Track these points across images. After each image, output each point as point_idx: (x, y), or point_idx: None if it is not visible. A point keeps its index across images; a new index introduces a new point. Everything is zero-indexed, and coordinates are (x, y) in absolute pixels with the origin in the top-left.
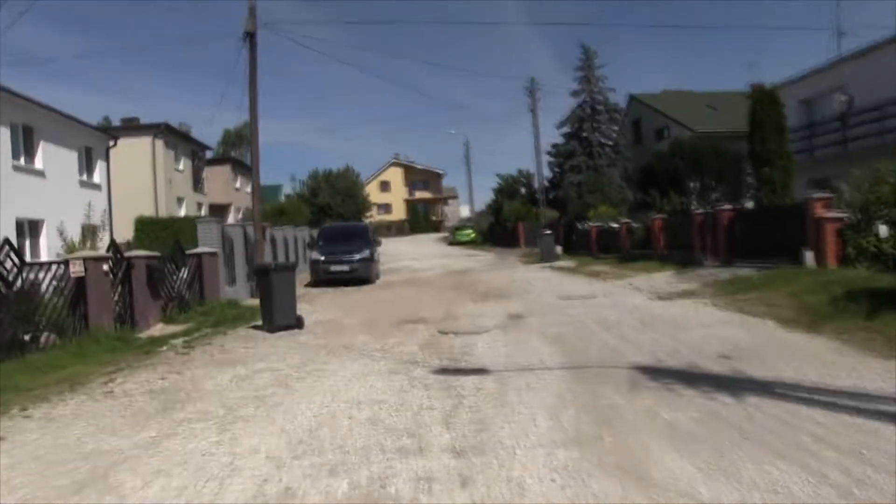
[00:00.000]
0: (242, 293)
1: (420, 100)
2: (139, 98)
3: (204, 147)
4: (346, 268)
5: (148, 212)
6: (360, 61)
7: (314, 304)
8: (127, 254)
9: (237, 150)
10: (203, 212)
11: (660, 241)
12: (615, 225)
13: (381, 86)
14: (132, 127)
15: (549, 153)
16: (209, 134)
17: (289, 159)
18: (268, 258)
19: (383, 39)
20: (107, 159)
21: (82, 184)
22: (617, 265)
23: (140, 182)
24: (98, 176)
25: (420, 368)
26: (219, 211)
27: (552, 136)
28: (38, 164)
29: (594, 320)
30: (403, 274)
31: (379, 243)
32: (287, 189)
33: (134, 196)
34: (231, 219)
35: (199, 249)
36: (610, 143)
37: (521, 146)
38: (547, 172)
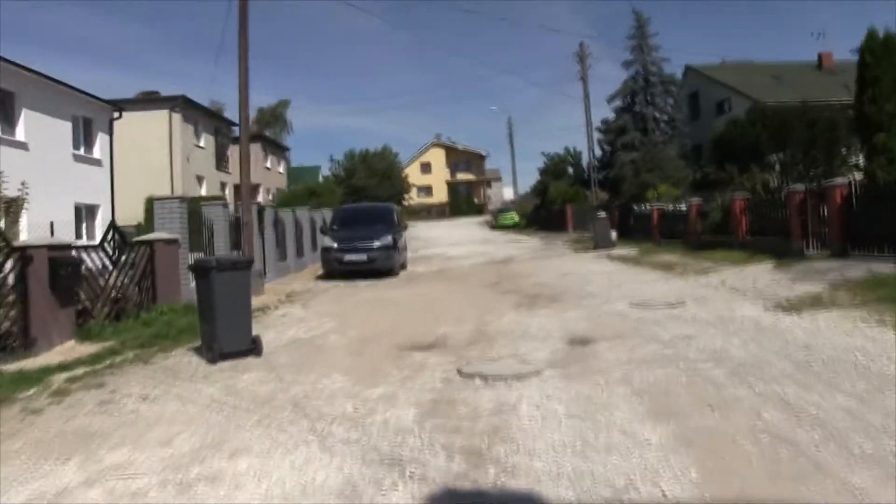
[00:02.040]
0: None
1: (462, 77)
2: (177, 77)
3: (229, 123)
4: (363, 257)
5: (164, 191)
6: (397, 40)
7: (307, 307)
8: (22, 243)
9: (272, 130)
10: (227, 192)
11: (741, 226)
12: (682, 207)
13: (420, 63)
14: (147, 100)
15: (598, 129)
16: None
17: (329, 142)
18: (268, 246)
19: (420, 17)
20: (110, 132)
21: (78, 158)
22: (689, 254)
23: (155, 159)
24: (98, 150)
25: (402, 486)
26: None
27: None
28: (20, 134)
29: (707, 355)
30: (435, 263)
31: (405, 227)
32: (326, 171)
33: (149, 174)
34: (260, 200)
35: (152, 236)
36: (665, 117)
37: (566, 124)
38: (597, 151)
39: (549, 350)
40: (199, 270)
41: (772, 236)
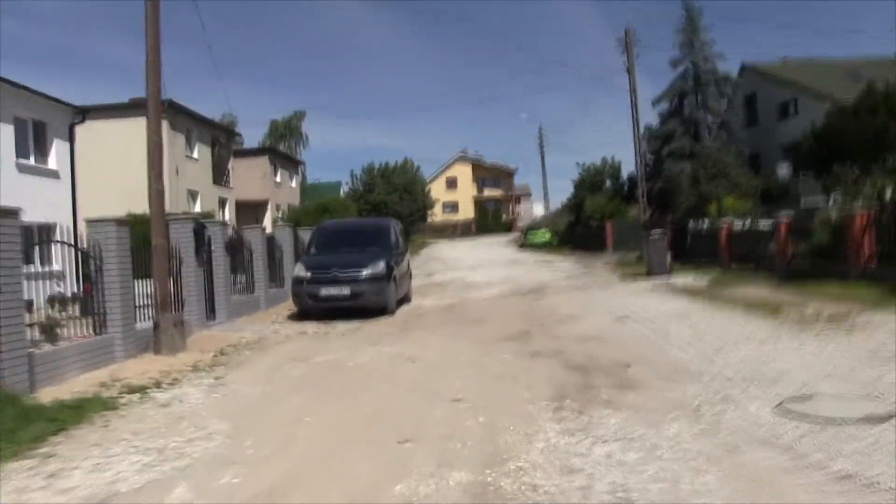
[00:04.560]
0: (118, 349)
1: (490, 88)
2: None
3: (230, 133)
4: (344, 291)
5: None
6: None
7: (222, 385)
8: None
9: (286, 143)
10: (227, 208)
11: (863, 249)
12: (761, 223)
13: (446, 75)
14: (126, 105)
15: (640, 138)
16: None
17: (353, 159)
18: (217, 277)
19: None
20: (70, 140)
21: (25, 168)
22: (784, 288)
23: (139, 172)
24: (55, 160)
25: None
26: (251, 209)
27: (646, 117)
28: None
29: None
30: (449, 293)
31: (405, 250)
32: (346, 187)
33: (132, 190)
34: (268, 218)
35: None
36: (718, 121)
37: (602, 137)
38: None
39: None
40: None
41: None
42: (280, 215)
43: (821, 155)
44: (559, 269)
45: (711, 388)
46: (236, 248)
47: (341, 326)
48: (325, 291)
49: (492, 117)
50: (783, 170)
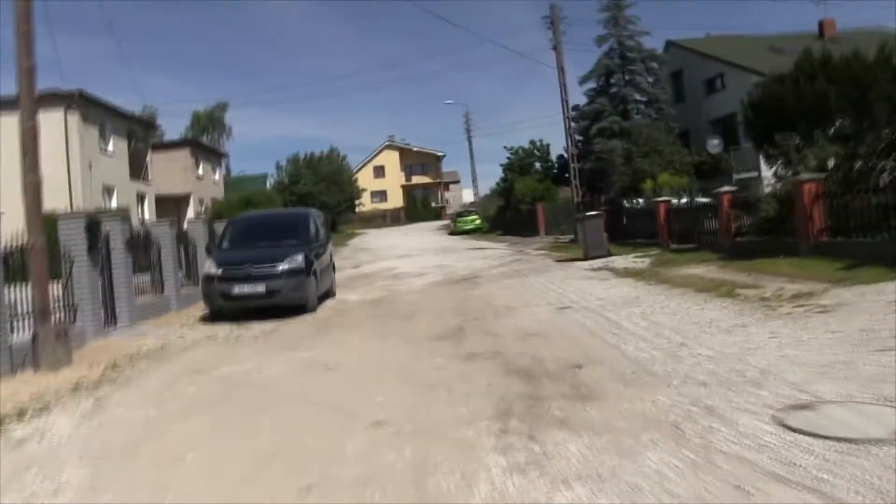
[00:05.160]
0: None
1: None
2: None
3: (147, 125)
4: (259, 288)
5: (63, 205)
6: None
7: (98, 412)
8: None
9: (209, 136)
10: (147, 203)
11: (813, 222)
12: (703, 200)
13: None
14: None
15: (569, 117)
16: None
17: (279, 151)
18: (117, 278)
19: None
20: None
21: None
22: (733, 265)
23: (51, 167)
24: None
25: None
26: (172, 204)
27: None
28: None
29: None
30: (377, 285)
31: (327, 241)
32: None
33: (45, 185)
34: (191, 212)
35: None
36: (645, 98)
37: (530, 118)
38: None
39: None
40: None
41: (865, 237)
42: (203, 209)
43: (759, 125)
44: (491, 255)
45: (686, 395)
46: (143, 246)
47: (256, 328)
48: (239, 289)
49: (418, 103)
50: (714, 145)
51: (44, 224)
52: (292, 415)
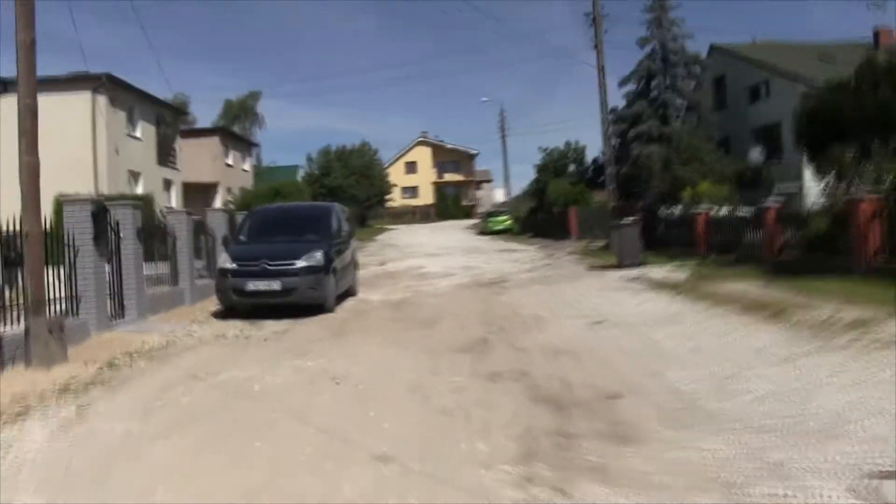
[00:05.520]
0: None
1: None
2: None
3: (176, 110)
4: (275, 285)
5: (88, 189)
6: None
7: (80, 422)
8: None
9: (241, 125)
10: (173, 191)
11: (869, 240)
12: (744, 211)
13: (405, 55)
14: (60, 80)
15: (608, 119)
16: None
17: (312, 143)
18: (126, 268)
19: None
20: None
21: None
22: (779, 283)
23: (76, 151)
24: None
25: None
26: (200, 191)
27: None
28: None
29: None
30: (401, 285)
31: (349, 237)
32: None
33: (69, 169)
34: (218, 201)
35: None
36: (685, 104)
37: (566, 119)
38: (602, 146)
39: None
40: None
41: None
42: (231, 198)
43: (812, 135)
44: (521, 258)
45: (744, 444)
46: (158, 235)
47: (268, 327)
48: (253, 285)
49: (453, 100)
50: (756, 154)
51: (40, 209)
52: (288, 439)
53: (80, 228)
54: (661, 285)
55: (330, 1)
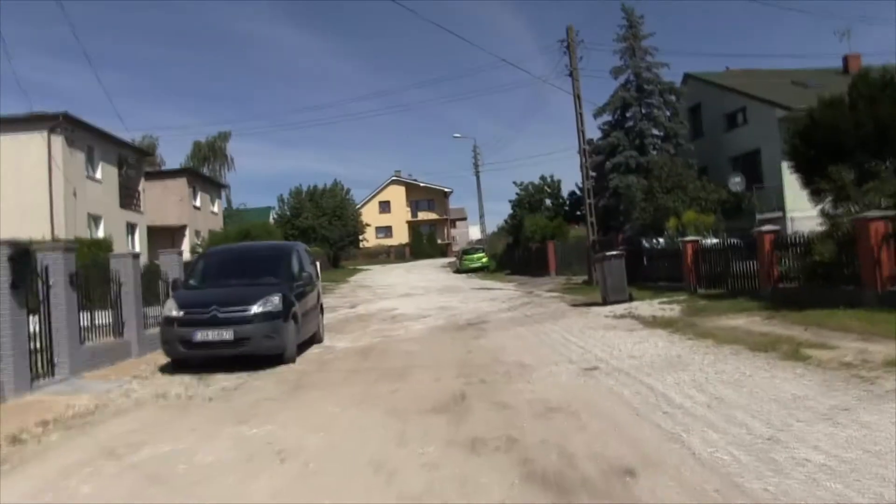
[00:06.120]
0: None
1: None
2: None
3: (140, 151)
4: (226, 334)
5: (44, 233)
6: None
7: None
8: None
9: (210, 167)
10: (137, 234)
11: (881, 266)
12: (735, 239)
13: (378, 94)
14: (14, 119)
15: (585, 150)
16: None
17: (283, 184)
18: (56, 318)
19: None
20: None
21: None
22: (789, 317)
23: (32, 193)
24: None
25: None
26: (166, 234)
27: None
28: None
29: None
30: (371, 330)
31: (313, 279)
32: (276, 214)
33: (24, 212)
34: (186, 245)
35: None
36: (662, 133)
37: (537, 151)
38: (580, 180)
39: None
40: None
41: None
42: (199, 241)
43: (809, 156)
44: (500, 296)
45: None
46: (101, 281)
47: (218, 383)
48: (202, 335)
49: (425, 138)
50: (736, 182)
51: None
52: None
53: None
54: (653, 323)
55: (294, 41)
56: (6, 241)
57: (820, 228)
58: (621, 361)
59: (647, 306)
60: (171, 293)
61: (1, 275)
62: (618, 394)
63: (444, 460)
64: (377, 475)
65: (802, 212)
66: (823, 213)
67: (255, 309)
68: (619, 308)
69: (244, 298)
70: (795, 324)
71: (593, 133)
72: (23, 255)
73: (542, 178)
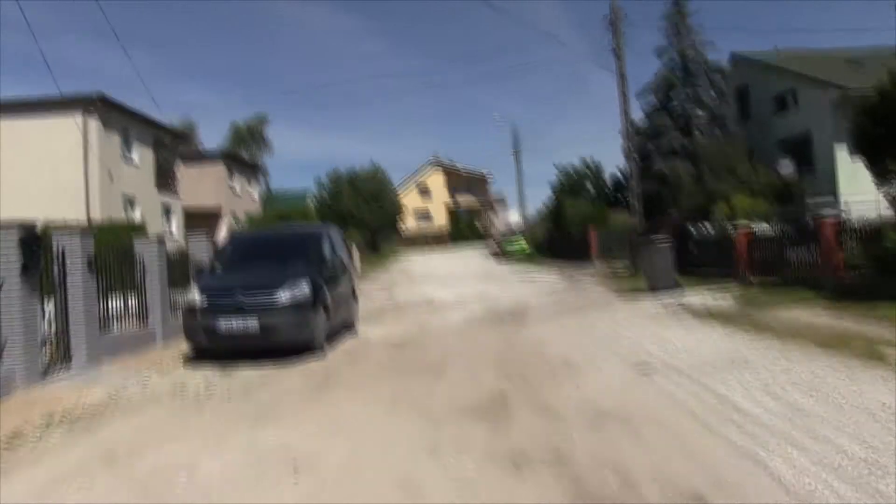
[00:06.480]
0: None
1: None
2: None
3: (176, 134)
4: (251, 323)
5: (79, 215)
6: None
7: None
8: None
9: (248, 149)
10: (173, 216)
11: None
12: (791, 226)
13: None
14: (50, 102)
15: (629, 131)
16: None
17: (322, 167)
18: (73, 306)
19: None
20: None
21: None
22: (858, 311)
23: (66, 175)
24: None
25: None
26: (203, 218)
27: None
28: None
29: None
30: (408, 319)
31: (347, 266)
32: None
33: (60, 194)
34: (223, 227)
35: None
36: (708, 116)
37: (577, 133)
38: (623, 161)
39: None
40: None
41: None
42: (237, 225)
43: (875, 135)
44: (541, 283)
45: None
46: (123, 266)
47: (240, 377)
48: (226, 325)
49: (464, 119)
50: (785, 166)
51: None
52: None
53: (4, 259)
54: (706, 314)
55: (336, 20)
56: (16, 222)
57: (876, 214)
58: (676, 358)
59: (697, 296)
60: (194, 279)
61: (11, 259)
62: (677, 399)
63: (480, 477)
64: (404, 494)
65: (854, 196)
66: (891, 197)
67: (282, 296)
68: (667, 297)
69: (269, 282)
70: (863, 317)
71: (635, 115)
72: (34, 239)
73: (583, 161)
